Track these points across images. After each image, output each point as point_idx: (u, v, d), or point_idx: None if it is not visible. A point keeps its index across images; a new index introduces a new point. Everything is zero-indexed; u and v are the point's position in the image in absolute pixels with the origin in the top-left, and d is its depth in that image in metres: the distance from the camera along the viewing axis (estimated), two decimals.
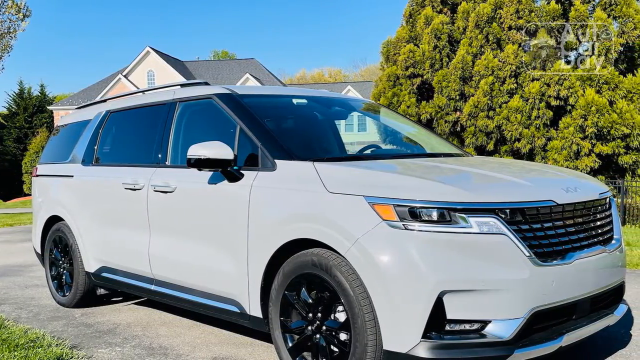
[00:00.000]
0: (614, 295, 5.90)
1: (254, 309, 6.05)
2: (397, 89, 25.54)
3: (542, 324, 5.04)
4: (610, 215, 5.96)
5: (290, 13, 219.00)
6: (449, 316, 4.79)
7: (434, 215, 4.84)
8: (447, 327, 4.82)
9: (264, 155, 6.12)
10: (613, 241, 5.81)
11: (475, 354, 4.79)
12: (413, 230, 4.83)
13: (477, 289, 4.77)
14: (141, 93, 8.94)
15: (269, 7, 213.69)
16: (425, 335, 4.76)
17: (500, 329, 4.80)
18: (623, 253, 5.98)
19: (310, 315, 5.50)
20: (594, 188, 5.87)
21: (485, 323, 4.83)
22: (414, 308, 4.77)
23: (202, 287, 6.70)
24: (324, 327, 5.40)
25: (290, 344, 5.67)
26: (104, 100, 9.58)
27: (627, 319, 7.39)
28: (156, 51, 72.17)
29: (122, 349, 6.95)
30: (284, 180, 5.87)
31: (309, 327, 5.50)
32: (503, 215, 4.90)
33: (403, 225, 4.86)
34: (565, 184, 5.60)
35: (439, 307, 4.75)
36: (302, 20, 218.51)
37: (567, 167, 20.63)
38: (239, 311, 6.23)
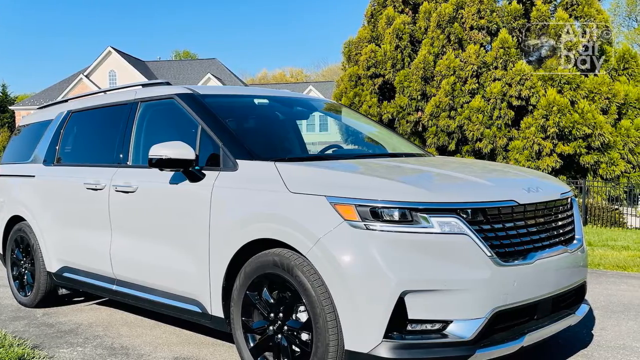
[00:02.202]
0: (576, 295, 5.94)
1: (216, 309, 6.03)
2: (358, 89, 25.65)
3: (503, 324, 5.06)
4: (572, 215, 5.99)
5: (251, 13, 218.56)
6: (411, 316, 4.78)
7: (396, 215, 4.84)
8: (409, 327, 4.83)
9: (225, 155, 6.09)
10: (574, 241, 5.85)
11: (437, 354, 4.80)
12: (374, 230, 4.83)
13: (439, 289, 4.78)
14: (103, 93, 8.89)
15: (231, 7, 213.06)
16: (386, 335, 4.76)
17: (461, 329, 4.81)
18: (584, 253, 6.02)
19: (272, 315, 5.48)
20: (555, 188, 5.90)
21: (446, 323, 4.84)
22: (375, 308, 4.77)
23: (164, 287, 6.66)
24: (285, 327, 5.38)
25: (251, 344, 5.65)
26: (66, 100, 9.54)
27: (589, 318, 7.46)
28: (118, 51, 71.85)
29: (83, 349, 6.90)
30: (245, 180, 5.84)
31: (271, 327, 5.49)
32: (464, 215, 4.90)
33: (364, 225, 4.85)
34: (526, 184, 5.62)
35: (400, 307, 4.75)
36: (263, 20, 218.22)
37: (529, 167, 20.79)
38: (200, 311, 6.21)
